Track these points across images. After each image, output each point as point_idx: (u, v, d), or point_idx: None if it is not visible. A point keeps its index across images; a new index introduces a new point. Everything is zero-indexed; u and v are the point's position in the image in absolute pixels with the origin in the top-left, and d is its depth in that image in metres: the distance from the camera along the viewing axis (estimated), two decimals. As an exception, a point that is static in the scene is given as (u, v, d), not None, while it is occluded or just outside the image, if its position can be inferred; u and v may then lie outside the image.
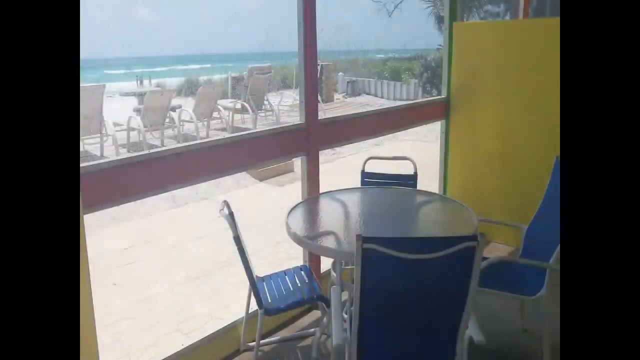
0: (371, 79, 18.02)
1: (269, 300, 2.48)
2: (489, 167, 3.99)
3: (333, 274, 2.43)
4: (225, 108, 10.25)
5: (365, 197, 2.80)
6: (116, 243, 5.11)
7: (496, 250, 3.90)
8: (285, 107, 11.77)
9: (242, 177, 7.23)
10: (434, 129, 5.92)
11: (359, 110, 3.90)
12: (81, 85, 7.33)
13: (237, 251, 2.34)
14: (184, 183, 2.48)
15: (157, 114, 8.73)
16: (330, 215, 2.59)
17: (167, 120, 9.07)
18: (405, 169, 3.17)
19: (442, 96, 4.17)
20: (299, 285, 2.63)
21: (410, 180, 3.12)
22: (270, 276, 2.74)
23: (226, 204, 2.44)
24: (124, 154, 7.53)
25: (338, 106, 13.39)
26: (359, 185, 3.15)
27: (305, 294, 2.53)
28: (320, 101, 11.22)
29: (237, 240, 2.32)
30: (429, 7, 19.86)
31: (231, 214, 2.40)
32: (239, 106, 10.46)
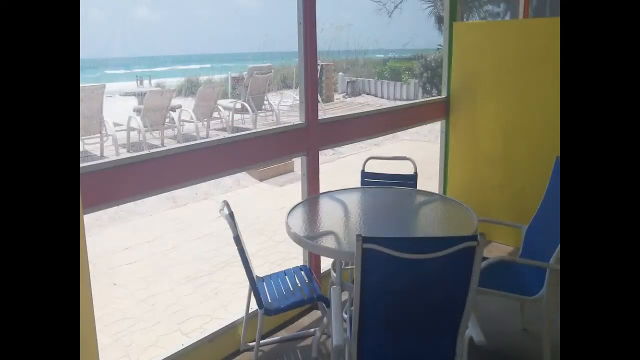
0: (371, 79, 18.00)
1: (269, 300, 2.48)
2: (489, 167, 3.99)
3: (333, 274, 2.42)
4: (225, 108, 10.24)
5: (365, 197, 2.80)
6: (116, 243, 5.11)
7: (496, 250, 3.90)
8: (285, 107, 11.77)
9: (242, 177, 7.23)
10: (434, 128, 5.92)
11: (359, 110, 3.90)
12: (81, 85, 7.34)
13: (237, 251, 2.34)
14: (184, 183, 2.48)
15: (157, 114, 8.73)
16: (330, 215, 2.59)
17: (167, 120, 9.07)
18: (405, 169, 3.17)
19: (442, 96, 4.17)
20: (299, 285, 2.63)
21: (410, 180, 3.12)
22: (270, 276, 2.74)
23: (226, 204, 2.45)
24: (124, 154, 7.53)
25: (338, 106, 13.39)
26: (359, 185, 3.15)
27: (305, 294, 2.53)
28: (320, 101, 11.22)
29: (237, 240, 2.32)
30: (429, 7, 19.84)
31: (231, 214, 2.40)
32: (239, 106, 10.46)
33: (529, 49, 3.62)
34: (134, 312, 3.70)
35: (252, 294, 2.46)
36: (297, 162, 7.22)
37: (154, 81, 18.66)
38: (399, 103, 7.25)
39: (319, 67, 8.45)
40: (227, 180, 6.91)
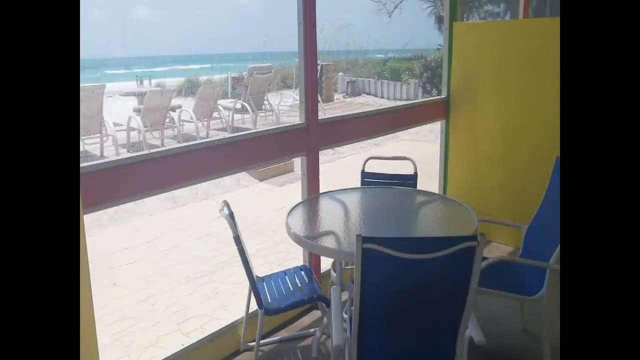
0: (371, 79, 18.00)
1: (269, 300, 2.48)
2: (489, 167, 3.99)
3: (333, 274, 2.43)
4: (225, 108, 10.24)
5: (365, 197, 2.80)
6: (116, 243, 5.11)
7: (496, 250, 3.90)
8: (285, 107, 11.77)
9: (242, 177, 7.23)
10: (434, 128, 5.92)
11: (359, 110, 3.90)
12: (81, 85, 7.33)
13: (237, 251, 2.34)
14: (184, 183, 2.48)
15: (157, 114, 8.73)
16: (330, 215, 2.59)
17: (167, 120, 9.07)
18: (405, 169, 3.17)
19: (442, 96, 4.17)
20: (299, 285, 2.63)
21: (410, 180, 3.12)
22: (270, 276, 2.74)
23: (226, 204, 2.45)
24: (124, 154, 7.53)
25: (338, 106, 13.39)
26: (359, 185, 3.15)
27: (305, 294, 2.53)
28: (320, 101, 11.21)
29: (237, 240, 2.32)
30: (429, 7, 19.84)
31: (231, 214, 2.40)
32: (239, 106, 10.46)
33: (529, 49, 3.62)
34: (134, 312, 3.70)
35: (252, 294, 2.46)
36: (297, 162, 7.22)
37: (154, 81, 18.66)
38: (399, 103, 7.25)
39: (319, 67, 8.45)
40: (227, 180, 6.91)
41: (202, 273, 4.30)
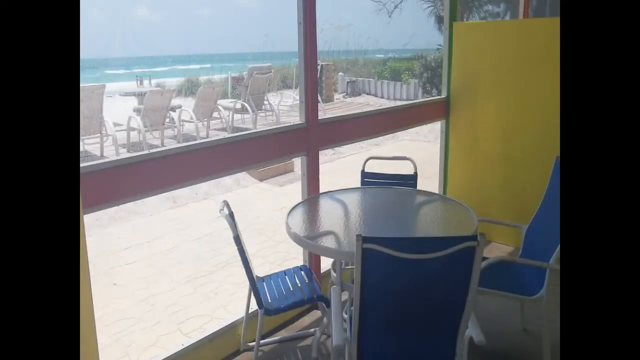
0: (371, 79, 18.00)
1: (269, 300, 2.48)
2: (489, 167, 3.99)
3: (333, 274, 2.43)
4: (225, 108, 10.24)
5: (365, 197, 2.80)
6: (116, 243, 5.11)
7: (496, 250, 3.90)
8: (285, 107, 11.77)
9: (242, 177, 7.23)
10: (434, 128, 5.93)
11: (359, 110, 3.90)
12: (81, 85, 7.33)
13: (237, 251, 2.34)
14: (184, 183, 2.48)
15: (157, 114, 8.73)
16: (330, 215, 2.59)
17: (167, 120, 9.07)
18: (405, 169, 3.17)
19: (442, 96, 4.17)
20: (299, 285, 2.63)
21: (410, 180, 3.13)
22: (270, 276, 2.74)
23: (226, 204, 2.45)
24: (124, 154, 7.53)
25: (338, 106, 13.39)
26: (359, 185, 3.15)
27: (305, 294, 2.53)
28: (320, 101, 11.22)
29: (237, 240, 2.32)
30: (429, 7, 19.85)
31: (231, 214, 2.41)
32: (239, 106, 10.46)
33: (529, 49, 3.62)
34: (134, 312, 3.70)
35: (252, 294, 2.46)
36: (297, 162, 7.22)
37: (154, 81, 18.68)
38: (399, 103, 7.25)
39: (319, 67, 8.44)
40: (227, 180, 6.91)
41: (202, 273, 4.30)
